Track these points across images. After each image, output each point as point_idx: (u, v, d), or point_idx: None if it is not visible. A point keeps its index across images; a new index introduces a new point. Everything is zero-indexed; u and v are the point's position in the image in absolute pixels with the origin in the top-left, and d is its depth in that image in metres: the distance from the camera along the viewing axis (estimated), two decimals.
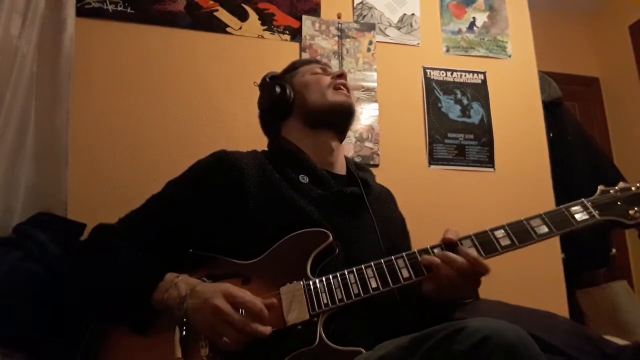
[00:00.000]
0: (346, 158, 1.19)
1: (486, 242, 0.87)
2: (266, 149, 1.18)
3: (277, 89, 1.14)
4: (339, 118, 1.13)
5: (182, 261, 0.93)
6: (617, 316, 2.19)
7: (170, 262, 0.91)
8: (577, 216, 0.89)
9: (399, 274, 0.86)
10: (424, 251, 0.88)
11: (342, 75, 1.16)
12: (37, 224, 1.32)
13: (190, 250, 0.97)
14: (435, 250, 0.88)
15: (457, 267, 0.83)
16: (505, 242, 0.87)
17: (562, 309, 1.89)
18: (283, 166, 1.04)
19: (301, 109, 1.13)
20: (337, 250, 0.91)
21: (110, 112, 1.70)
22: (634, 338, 1.63)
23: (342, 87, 1.14)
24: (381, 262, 0.87)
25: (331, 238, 0.89)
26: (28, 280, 1.15)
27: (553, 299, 1.90)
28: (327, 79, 1.15)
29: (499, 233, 0.88)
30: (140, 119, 1.72)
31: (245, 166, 1.00)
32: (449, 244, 0.88)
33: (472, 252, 0.85)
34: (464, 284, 0.85)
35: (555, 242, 1.98)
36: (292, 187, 1.00)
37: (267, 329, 0.78)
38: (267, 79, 1.20)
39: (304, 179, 1.03)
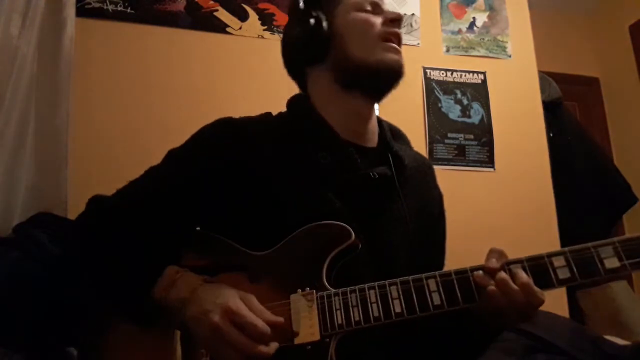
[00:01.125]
0: (380, 122, 0.99)
1: (541, 272, 0.68)
2: (283, 110, 0.99)
3: (311, 22, 0.89)
4: (383, 82, 0.90)
5: (186, 240, 0.87)
6: (617, 316, 2.18)
7: (173, 240, 0.84)
8: None
9: (429, 299, 0.70)
10: (462, 273, 0.71)
11: (397, 21, 0.90)
12: (37, 224, 1.32)
13: (197, 229, 0.89)
14: (475, 273, 0.70)
15: (511, 297, 0.67)
16: (564, 274, 0.67)
17: (562, 309, 1.90)
18: (301, 138, 0.89)
19: (337, 58, 0.90)
20: (360, 247, 0.79)
21: (110, 112, 1.70)
22: (634, 338, 1.63)
23: (394, 40, 0.89)
24: (409, 282, 0.72)
25: (353, 237, 0.76)
26: (28, 280, 1.15)
27: (553, 299, 1.89)
28: (377, 24, 0.89)
29: (558, 261, 0.68)
30: (140, 119, 1.72)
31: (255, 136, 0.88)
32: (491, 272, 0.70)
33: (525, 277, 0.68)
34: (516, 316, 0.69)
35: (555, 241, 1.98)
36: (310, 167, 0.86)
37: (271, 350, 0.69)
38: (302, 2, 0.93)
39: (324, 157, 0.87)
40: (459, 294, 0.70)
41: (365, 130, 0.93)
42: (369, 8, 0.91)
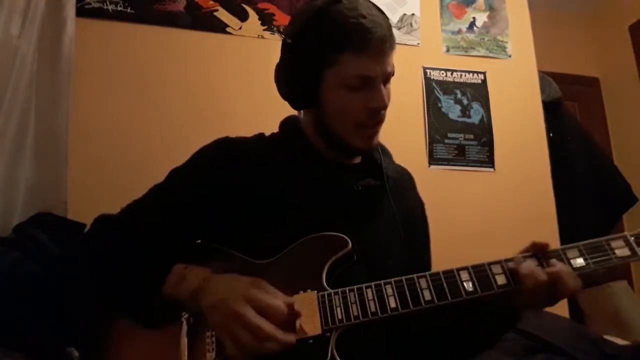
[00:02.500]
0: None
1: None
2: (283, 110, 1.02)
3: (299, 79, 0.91)
4: (355, 155, 1.00)
5: (188, 253, 0.89)
6: (617, 316, 2.19)
7: (176, 254, 0.87)
8: (618, 251, 0.78)
9: (420, 295, 0.78)
10: (449, 272, 0.80)
11: (378, 114, 0.90)
12: (37, 224, 1.33)
13: (198, 242, 0.93)
14: (462, 272, 0.79)
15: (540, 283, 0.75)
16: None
17: (562, 309, 1.90)
18: (292, 157, 0.95)
19: (318, 117, 0.94)
20: (355, 256, 0.85)
21: (110, 112, 1.70)
22: (633, 338, 1.64)
23: (372, 125, 0.92)
24: (402, 280, 0.80)
25: (350, 246, 0.83)
26: (27, 280, 1.16)
27: None
28: (356, 112, 0.88)
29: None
30: (140, 119, 1.72)
31: (252, 156, 0.93)
32: (479, 268, 0.80)
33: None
34: (547, 299, 0.78)
35: (555, 241, 1.98)
36: (303, 183, 0.92)
37: (290, 339, 0.72)
38: (302, 49, 0.89)
39: (315, 173, 0.94)
40: (447, 290, 0.78)
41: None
42: (356, 84, 0.87)
